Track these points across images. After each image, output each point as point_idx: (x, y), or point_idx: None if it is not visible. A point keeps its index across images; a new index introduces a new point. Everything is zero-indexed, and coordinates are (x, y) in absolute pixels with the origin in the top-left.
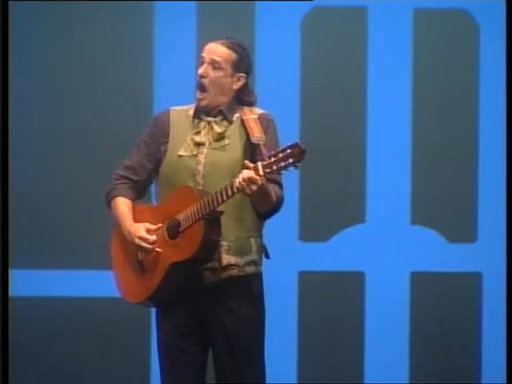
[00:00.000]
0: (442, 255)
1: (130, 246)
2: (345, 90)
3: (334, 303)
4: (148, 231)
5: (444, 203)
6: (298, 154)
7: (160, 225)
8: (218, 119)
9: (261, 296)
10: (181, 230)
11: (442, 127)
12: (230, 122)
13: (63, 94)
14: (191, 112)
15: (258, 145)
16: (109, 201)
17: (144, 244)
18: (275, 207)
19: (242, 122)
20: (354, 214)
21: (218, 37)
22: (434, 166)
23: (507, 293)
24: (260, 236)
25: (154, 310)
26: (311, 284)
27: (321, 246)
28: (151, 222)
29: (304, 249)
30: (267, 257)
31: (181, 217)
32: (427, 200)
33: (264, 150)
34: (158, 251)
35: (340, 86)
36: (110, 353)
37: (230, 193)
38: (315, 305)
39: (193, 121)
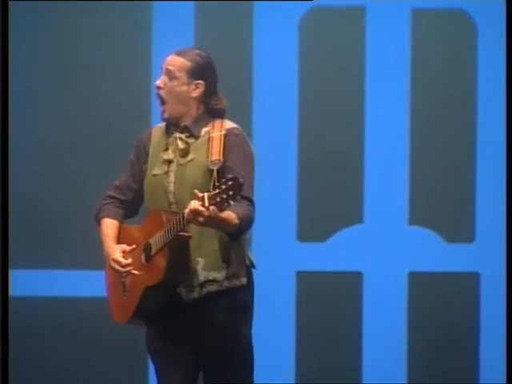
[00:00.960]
0: (440, 255)
1: None
2: (343, 90)
3: (331, 303)
4: (124, 253)
5: (442, 203)
6: (238, 186)
7: (134, 246)
8: (183, 135)
9: (247, 306)
10: (152, 253)
11: (440, 127)
12: (197, 138)
13: (63, 93)
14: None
15: (212, 170)
16: (97, 222)
17: (117, 266)
18: (240, 229)
19: (208, 139)
20: (352, 214)
21: (216, 37)
22: (432, 165)
23: (505, 293)
24: (242, 247)
25: None
26: (309, 284)
27: (319, 246)
28: (132, 244)
29: (302, 249)
30: (253, 267)
31: (152, 241)
32: (425, 200)
33: (215, 178)
34: (133, 273)
35: (338, 86)
36: (110, 353)
37: (182, 224)
38: (313, 305)
39: (166, 138)
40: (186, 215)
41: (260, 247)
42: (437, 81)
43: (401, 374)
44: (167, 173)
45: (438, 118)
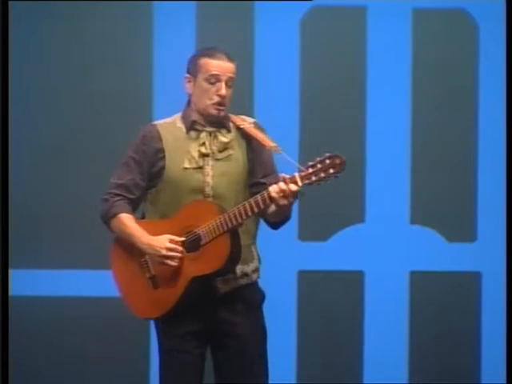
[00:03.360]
0: (441, 255)
1: (141, 260)
2: (344, 90)
3: (333, 303)
4: (172, 242)
5: (443, 202)
6: (339, 164)
7: (183, 238)
8: (222, 130)
9: (263, 302)
10: (202, 243)
11: (441, 127)
12: (229, 131)
13: (63, 93)
14: (179, 124)
15: (250, 163)
16: (109, 218)
17: (172, 253)
18: (290, 215)
19: (243, 131)
20: (354, 213)
21: (217, 37)
22: (434, 165)
23: (507, 292)
24: (256, 242)
25: None
26: (310, 283)
27: (320, 245)
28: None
29: (303, 248)
30: (260, 263)
31: (201, 230)
32: (426, 199)
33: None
34: (176, 265)
35: (340, 85)
36: (110, 353)
37: (261, 206)
38: (314, 304)
39: (187, 133)
40: (274, 195)
41: (261, 246)
42: (437, 80)
43: (402, 373)
44: (202, 167)
45: (439, 117)
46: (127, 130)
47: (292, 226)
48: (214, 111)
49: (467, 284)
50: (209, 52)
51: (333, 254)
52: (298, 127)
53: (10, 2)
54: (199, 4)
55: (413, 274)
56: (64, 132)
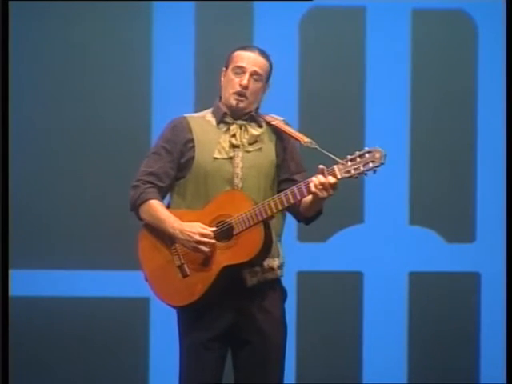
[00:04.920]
0: (440, 255)
1: (171, 248)
2: (343, 91)
3: (332, 303)
4: (205, 229)
5: (442, 203)
6: (379, 158)
7: (214, 228)
8: (252, 123)
9: (285, 300)
10: (235, 233)
11: (440, 127)
12: (261, 126)
13: (63, 93)
14: (209, 117)
15: (278, 159)
16: (139, 204)
17: (206, 239)
18: (322, 209)
19: (275, 127)
20: (353, 214)
21: (217, 37)
22: (433, 166)
23: (506, 293)
24: (281, 240)
25: (160, 310)
26: (310, 284)
27: (319, 246)
28: None
29: (302, 249)
30: None
31: (233, 220)
32: (426, 200)
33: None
34: (208, 253)
35: (338, 86)
36: (110, 353)
37: (298, 197)
38: (314, 305)
39: (217, 125)
40: (313, 189)
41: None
42: (437, 81)
43: (401, 373)
44: (232, 158)
45: (438, 118)
46: (126, 130)
47: (291, 227)
48: (233, 101)
49: (466, 285)
50: (244, 46)
51: (332, 254)
52: (297, 127)
53: (10, 2)
54: (199, 4)
55: (412, 274)
56: (64, 132)
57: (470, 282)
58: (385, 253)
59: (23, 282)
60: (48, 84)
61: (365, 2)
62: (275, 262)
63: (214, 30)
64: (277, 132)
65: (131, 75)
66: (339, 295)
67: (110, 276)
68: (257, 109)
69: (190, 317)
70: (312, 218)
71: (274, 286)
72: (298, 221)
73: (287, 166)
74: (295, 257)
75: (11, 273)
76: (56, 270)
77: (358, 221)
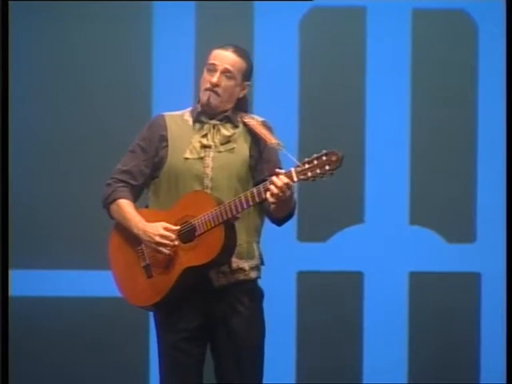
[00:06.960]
0: (440, 255)
1: (137, 248)
2: (343, 91)
3: (332, 303)
4: (166, 230)
5: (443, 203)
6: (335, 161)
7: (178, 227)
8: (227, 124)
9: (262, 300)
10: (197, 234)
11: (440, 127)
12: (236, 127)
13: (63, 93)
14: (187, 117)
15: (251, 159)
16: (109, 203)
17: (165, 241)
18: (293, 211)
19: (249, 128)
20: (353, 213)
21: (217, 37)
22: (433, 165)
23: (506, 293)
24: (259, 242)
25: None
26: (310, 284)
27: (319, 246)
28: None
29: (302, 249)
30: (263, 264)
31: (196, 221)
32: (426, 200)
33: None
34: (171, 254)
35: (339, 86)
36: (110, 353)
37: (257, 199)
38: (314, 305)
39: (193, 125)
40: (272, 189)
41: (261, 247)
42: (437, 81)
43: (401, 373)
44: (203, 158)
45: (438, 117)
46: (126, 130)
47: (291, 226)
48: (204, 98)
49: (467, 285)
50: (223, 45)
51: (332, 254)
52: (297, 127)
53: (10, 2)
54: (199, 4)
55: (412, 274)
56: (64, 132)
57: (470, 282)
58: (385, 253)
59: (23, 282)
60: (48, 84)
61: (365, 1)
62: (247, 264)
63: (214, 30)
64: (251, 133)
65: (131, 75)
66: (339, 295)
67: (110, 276)
68: (244, 108)
69: (161, 318)
70: (283, 219)
71: (247, 286)
72: (272, 222)
73: (261, 168)
74: (295, 257)
75: (11, 273)
76: (56, 269)
77: (358, 221)
